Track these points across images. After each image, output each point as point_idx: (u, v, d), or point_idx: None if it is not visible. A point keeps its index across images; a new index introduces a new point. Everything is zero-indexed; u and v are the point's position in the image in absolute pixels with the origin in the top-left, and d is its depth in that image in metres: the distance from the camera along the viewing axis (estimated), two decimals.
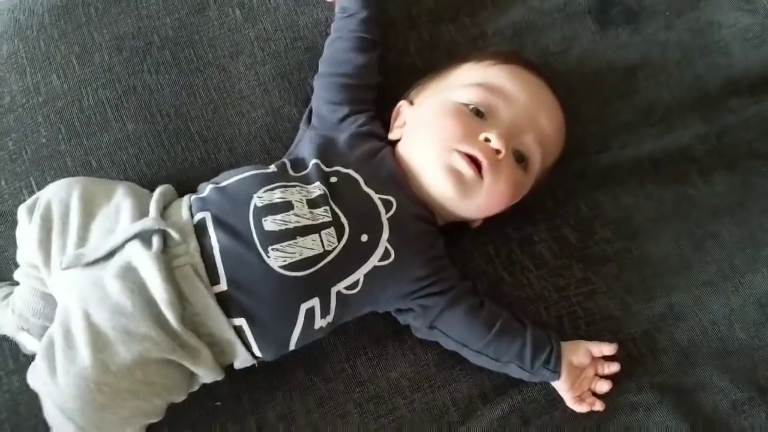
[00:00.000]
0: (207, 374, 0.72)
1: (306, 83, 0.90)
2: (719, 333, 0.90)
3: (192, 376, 0.73)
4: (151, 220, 0.71)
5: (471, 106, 0.80)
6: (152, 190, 0.79)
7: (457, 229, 0.86)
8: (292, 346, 0.76)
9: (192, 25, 0.91)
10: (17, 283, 0.79)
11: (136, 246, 0.69)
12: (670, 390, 0.85)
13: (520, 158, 0.81)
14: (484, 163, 0.77)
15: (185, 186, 0.82)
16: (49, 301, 0.75)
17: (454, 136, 0.78)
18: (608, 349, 0.83)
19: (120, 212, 0.73)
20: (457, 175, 0.77)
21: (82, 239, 0.71)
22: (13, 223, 0.80)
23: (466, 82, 0.83)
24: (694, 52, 1.00)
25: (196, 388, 0.76)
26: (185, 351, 0.69)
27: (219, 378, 0.74)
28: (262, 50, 0.91)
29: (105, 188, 0.76)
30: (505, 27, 0.98)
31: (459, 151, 0.77)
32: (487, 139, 0.78)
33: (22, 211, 0.75)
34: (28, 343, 0.77)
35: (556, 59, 0.97)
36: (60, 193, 0.74)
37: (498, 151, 0.77)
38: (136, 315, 0.67)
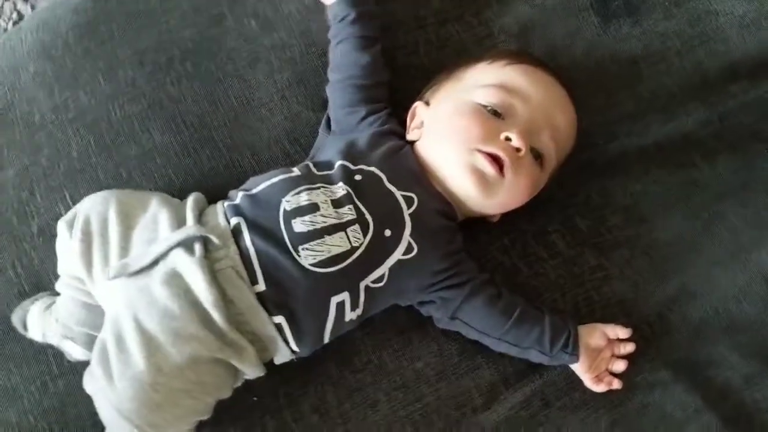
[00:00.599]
0: (251, 370, 0.75)
1: (322, 88, 0.91)
2: (729, 310, 0.92)
3: (236, 373, 0.76)
4: (192, 228, 0.73)
5: (489, 107, 0.81)
6: (182, 198, 0.81)
7: (474, 223, 0.88)
8: (326, 339, 0.79)
9: (210, 38, 0.92)
10: (58, 293, 0.81)
11: (179, 253, 0.71)
12: (683, 368, 0.88)
13: (537, 155, 0.82)
14: (506, 161, 0.78)
15: (213, 192, 0.83)
16: (91, 310, 0.77)
17: (475, 137, 0.79)
18: (623, 332, 0.86)
19: (158, 222, 0.75)
20: (479, 175, 0.79)
21: (125, 249, 0.73)
22: (51, 236, 0.82)
23: (482, 82, 0.84)
24: (693, 41, 1.01)
25: (239, 383, 0.78)
26: (231, 349, 0.71)
27: (261, 374, 0.76)
28: (279, 58, 0.93)
29: (139, 200, 0.78)
30: (510, 25, 0.98)
31: (481, 151, 0.79)
32: (507, 138, 0.79)
33: (61, 226, 0.76)
34: (73, 350, 0.80)
35: (561, 54, 0.98)
36: (97, 207, 0.76)
37: (518, 150, 0.79)
38: (184, 317, 0.69)
